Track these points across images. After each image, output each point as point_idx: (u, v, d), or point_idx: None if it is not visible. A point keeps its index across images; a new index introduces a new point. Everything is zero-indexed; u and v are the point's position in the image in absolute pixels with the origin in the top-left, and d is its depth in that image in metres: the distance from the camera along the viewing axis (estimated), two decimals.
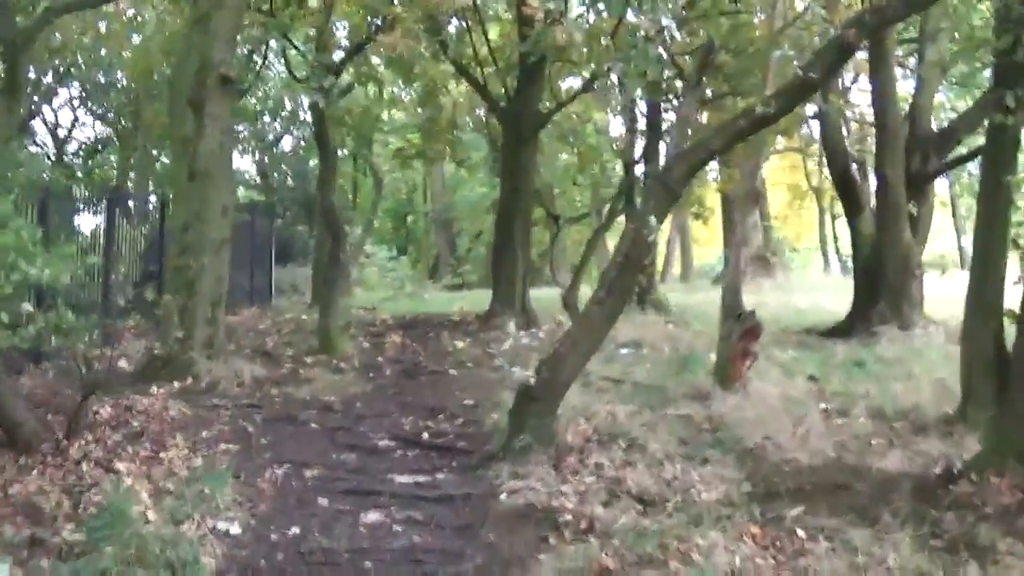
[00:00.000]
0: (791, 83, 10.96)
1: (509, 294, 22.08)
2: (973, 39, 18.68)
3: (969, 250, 44.08)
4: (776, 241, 45.89)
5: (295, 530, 8.19)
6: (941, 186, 27.67)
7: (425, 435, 11.75)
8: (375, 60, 24.15)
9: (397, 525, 8.42)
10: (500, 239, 23.37)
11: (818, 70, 10.43)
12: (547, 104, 23.93)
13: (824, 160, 41.84)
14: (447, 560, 7.82)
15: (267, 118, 40.34)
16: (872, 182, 22.32)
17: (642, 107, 25.77)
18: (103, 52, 34.02)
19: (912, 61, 25.38)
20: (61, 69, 38.14)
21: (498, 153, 27.13)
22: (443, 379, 15.56)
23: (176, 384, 13.38)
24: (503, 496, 8.94)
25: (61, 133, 44.26)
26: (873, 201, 21.14)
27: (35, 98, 39.35)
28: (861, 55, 19.03)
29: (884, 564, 7.32)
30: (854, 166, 22.07)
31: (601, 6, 17.44)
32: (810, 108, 21.37)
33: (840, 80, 24.46)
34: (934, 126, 21.72)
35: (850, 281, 24.40)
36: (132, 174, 40.96)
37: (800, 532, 7.83)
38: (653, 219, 10.40)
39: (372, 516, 8.57)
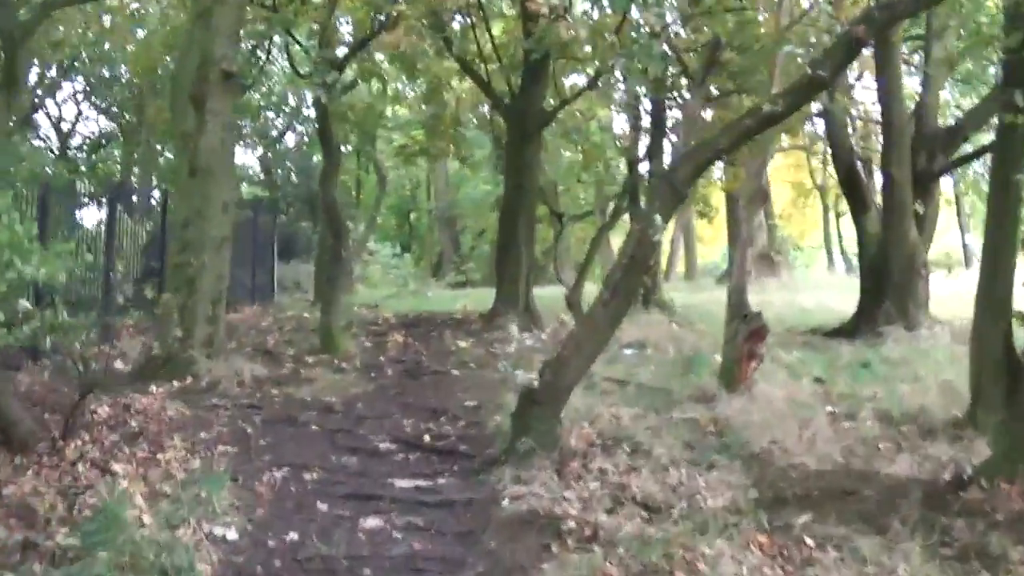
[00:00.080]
0: (799, 81, 10.82)
1: (512, 293, 21.99)
2: (981, 36, 18.58)
3: (973, 248, 44.38)
4: (780, 240, 45.79)
5: (293, 536, 8.04)
6: (945, 184, 27.50)
7: (427, 438, 11.61)
8: (379, 56, 24.05)
9: (397, 531, 8.28)
10: (504, 237, 23.27)
11: (827, 67, 10.27)
12: (551, 101, 23.81)
13: (828, 158, 41.98)
14: (448, 568, 7.69)
15: (271, 114, 40.17)
16: (878, 180, 22.17)
17: (646, 105, 25.67)
18: (107, 46, 33.91)
19: (917, 59, 25.28)
20: (65, 63, 38.08)
21: (502, 150, 27.05)
22: (445, 380, 15.45)
23: (175, 383, 13.28)
24: (505, 502, 8.79)
25: (65, 127, 44.23)
26: (879, 199, 21.01)
27: (38, 92, 39.32)
28: (866, 52, 18.87)
29: (894, 575, 7.19)
30: (859, 164, 21.91)
31: (605, 2, 17.45)
32: (815, 106, 21.19)
33: (845, 78, 24.30)
34: (939, 124, 21.54)
35: (854, 280, 24.29)
36: (136, 169, 40.93)
37: (808, 541, 7.69)
38: (659, 219, 10.25)
39: (372, 522, 8.42)
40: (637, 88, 20.83)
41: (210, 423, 11.43)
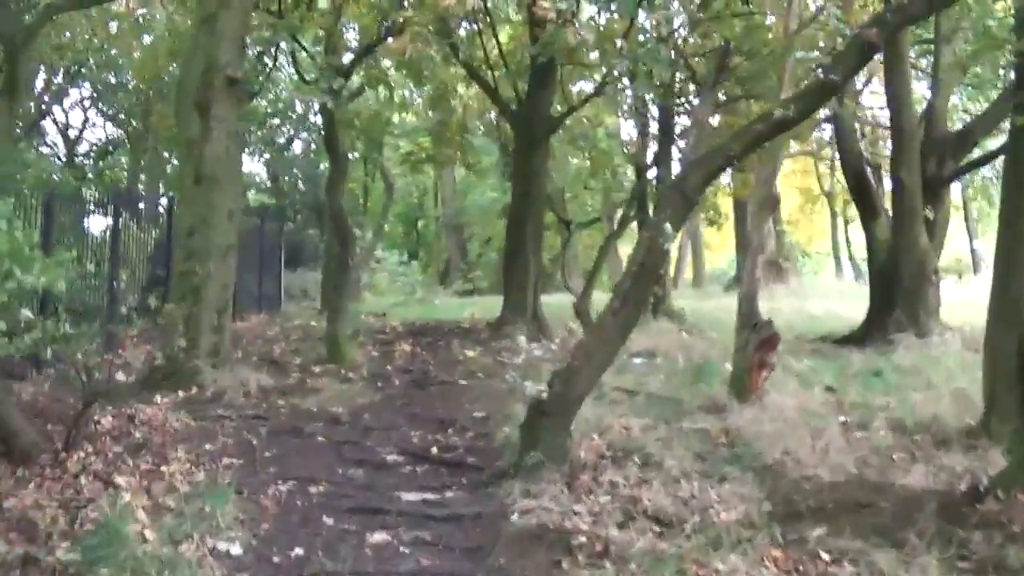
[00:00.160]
0: (811, 85, 10.70)
1: (520, 301, 21.91)
2: (993, 39, 18.46)
3: (982, 254, 44.24)
4: (788, 246, 45.69)
5: (298, 551, 7.90)
6: (953, 189, 27.38)
7: (434, 449, 11.49)
8: (385, 63, 23.98)
9: (404, 546, 8.12)
10: (511, 245, 23.19)
11: (839, 71, 10.15)
12: (558, 108, 23.73)
13: (836, 164, 41.93)
14: None
15: (277, 120, 40.14)
16: (887, 186, 22.05)
17: (654, 111, 25.62)
18: (114, 52, 33.92)
19: (924, 63, 25.19)
20: (72, 70, 38.10)
21: (509, 157, 27.00)
22: (453, 390, 15.35)
23: (180, 393, 13.21)
24: (514, 516, 8.63)
25: (72, 134, 44.28)
26: (888, 205, 20.90)
27: (45, 98, 39.36)
28: (876, 57, 18.76)
29: None
30: (869, 170, 21.78)
31: (613, 7, 17.35)
32: (823, 111, 21.11)
33: (853, 83, 24.19)
34: (949, 128, 21.44)
35: (863, 287, 24.24)
36: (143, 176, 40.93)
37: (824, 555, 7.55)
38: (669, 227, 10.11)
39: (378, 536, 8.27)
40: (645, 94, 20.79)
41: (215, 434, 11.32)
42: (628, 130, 32.04)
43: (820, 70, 10.78)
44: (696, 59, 20.77)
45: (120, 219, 18.99)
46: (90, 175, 40.73)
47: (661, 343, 18.62)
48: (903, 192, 19.56)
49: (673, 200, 10.67)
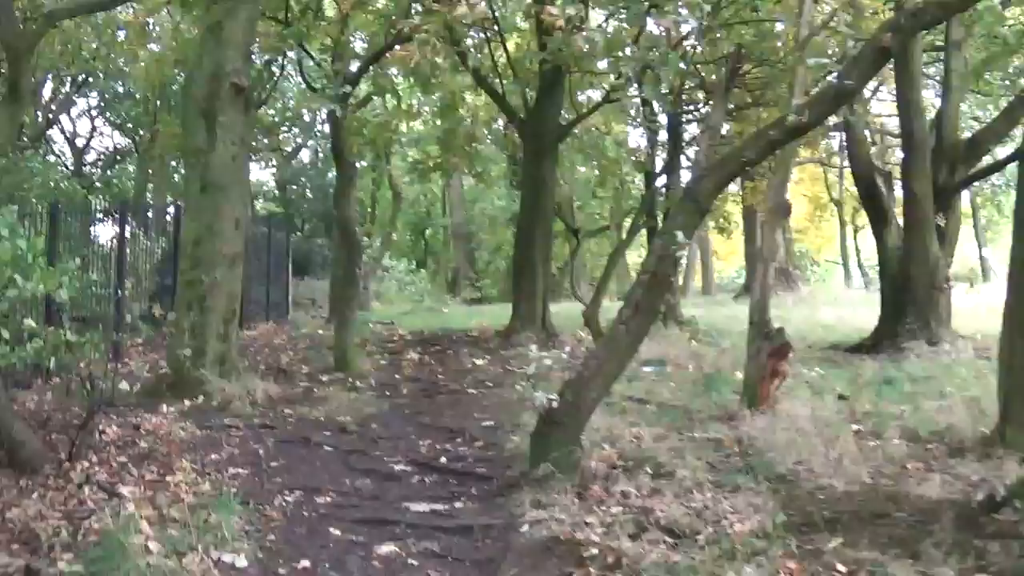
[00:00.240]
0: (826, 90, 10.59)
1: (530, 309, 21.91)
2: (1005, 46, 18.39)
3: (991, 262, 44.13)
4: (798, 254, 45.67)
5: (305, 563, 7.75)
6: (962, 196, 27.34)
7: (443, 459, 11.38)
8: (393, 71, 23.95)
9: (413, 558, 7.97)
10: (520, 253, 23.18)
11: (854, 77, 10.02)
12: (567, 116, 23.68)
13: (846, 172, 41.89)
14: None
15: (284, 129, 40.13)
16: (898, 193, 21.93)
17: (662, 120, 25.59)
18: (121, 62, 33.89)
19: (933, 71, 25.12)
20: (79, 79, 38.10)
21: (516, 166, 27.00)
22: (462, 399, 15.33)
23: (187, 403, 13.11)
24: (525, 527, 8.47)
25: (79, 143, 44.29)
26: (899, 213, 20.79)
27: (53, 107, 39.36)
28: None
29: None
30: (879, 177, 21.66)
31: (623, 15, 17.28)
32: (832, 118, 21.06)
33: (863, 90, 24.14)
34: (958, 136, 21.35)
35: (873, 295, 24.15)
36: (150, 185, 40.93)
37: (840, 567, 7.38)
38: (681, 234, 9.98)
39: (386, 548, 8.11)
40: (654, 102, 20.72)
41: (221, 444, 11.22)
42: (636, 138, 32.08)
43: (833, 76, 10.69)
44: (707, 65, 20.78)
45: (126, 228, 18.94)
46: (97, 184, 40.72)
47: (671, 351, 18.57)
48: (914, 200, 19.48)
49: (685, 207, 10.56)
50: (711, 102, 20.54)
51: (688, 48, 18.12)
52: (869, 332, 20.45)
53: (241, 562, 7.59)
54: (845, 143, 24.05)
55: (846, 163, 39.09)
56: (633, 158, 29.06)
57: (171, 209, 28.82)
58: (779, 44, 20.40)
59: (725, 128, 21.69)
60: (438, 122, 29.74)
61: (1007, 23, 21.24)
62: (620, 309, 10.39)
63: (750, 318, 13.79)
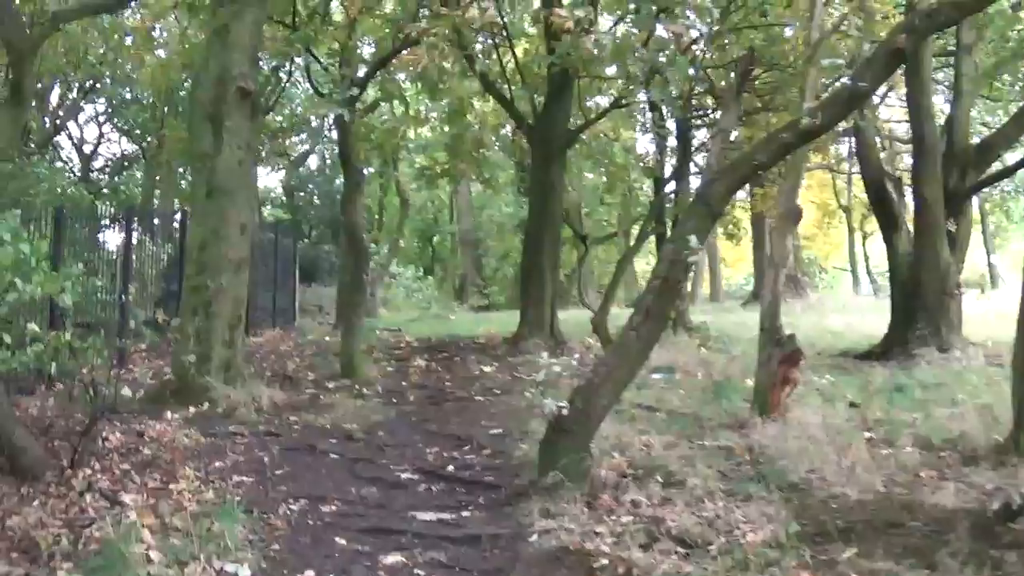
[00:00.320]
0: (839, 92, 10.47)
1: (538, 316, 21.86)
2: (1017, 50, 18.30)
3: (999, 268, 44.05)
4: (807, 261, 45.59)
5: (309, 574, 7.61)
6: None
7: (450, 467, 11.24)
8: (400, 76, 23.89)
9: (419, 569, 7.83)
10: (528, 259, 23.12)
11: (868, 78, 9.90)
12: (575, 123, 23.61)
13: (854, 178, 41.83)
14: None
15: (292, 135, 40.15)
16: (908, 198, 21.82)
17: (670, 127, 25.51)
18: (128, 68, 33.88)
19: (941, 76, 25.04)
20: (87, 85, 38.11)
21: (524, 172, 26.97)
22: (469, 406, 15.23)
23: (191, 409, 13.00)
24: (533, 537, 8.33)
25: (87, 149, 44.32)
26: (910, 218, 20.69)
27: (60, 113, 39.37)
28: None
29: None
30: (889, 183, 21.54)
31: (631, 19, 17.19)
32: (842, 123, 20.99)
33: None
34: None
35: (882, 302, 24.09)
36: (158, 191, 40.94)
37: None
38: (693, 239, 9.85)
39: (393, 558, 7.98)
40: (662, 106, 20.65)
41: (225, 451, 11.12)
42: (645, 144, 32.05)
43: (846, 78, 10.58)
44: (716, 71, 20.68)
45: (132, 234, 18.89)
46: (105, 190, 40.72)
47: (680, 358, 18.48)
48: (924, 205, 19.39)
49: (698, 211, 10.43)
50: (721, 106, 20.49)
51: (697, 53, 18.02)
52: (878, 339, 20.39)
53: (244, 572, 7.46)
54: (855, 148, 23.87)
55: (855, 169, 39.17)
56: (642, 163, 28.99)
57: (178, 215, 28.84)
58: (789, 48, 20.31)
59: (734, 134, 21.58)
60: (446, 128, 29.68)
61: (1018, 27, 21.19)
62: (631, 315, 10.27)
63: (761, 324, 13.67)
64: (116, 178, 45.18)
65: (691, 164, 27.16)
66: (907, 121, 22.89)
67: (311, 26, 19.44)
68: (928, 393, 15.10)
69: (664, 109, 22.72)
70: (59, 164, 40.66)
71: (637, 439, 11.36)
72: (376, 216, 44.63)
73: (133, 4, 26.47)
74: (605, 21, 21.33)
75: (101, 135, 44.67)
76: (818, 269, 57.42)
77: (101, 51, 31.77)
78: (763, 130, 20.69)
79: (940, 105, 25.38)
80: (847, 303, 38.93)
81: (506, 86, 23.50)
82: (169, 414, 12.39)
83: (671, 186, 25.82)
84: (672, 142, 26.70)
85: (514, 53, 23.60)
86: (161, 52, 29.82)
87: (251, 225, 15.77)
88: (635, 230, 27.83)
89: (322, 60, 23.07)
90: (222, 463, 10.58)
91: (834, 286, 57.11)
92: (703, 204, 10.39)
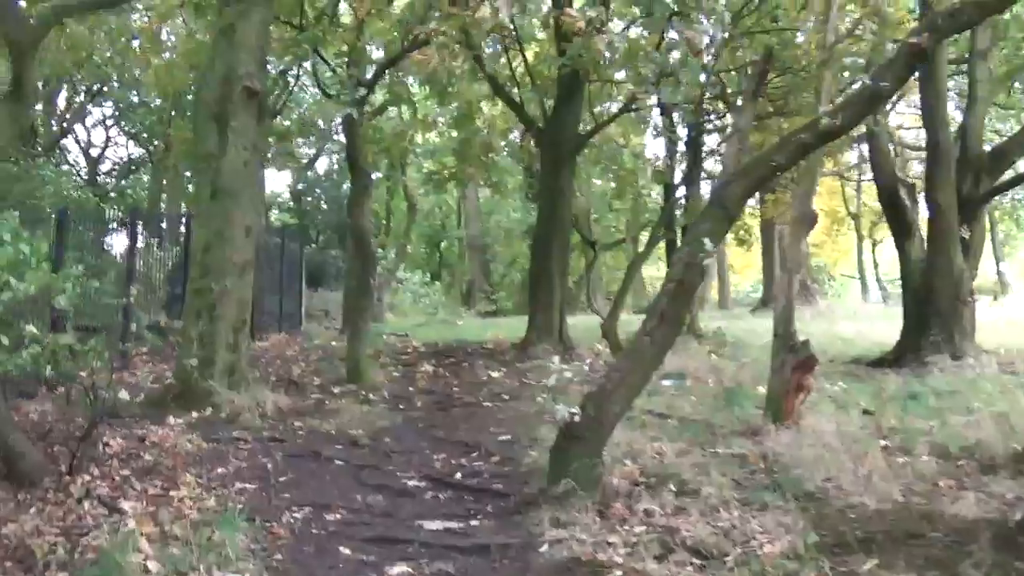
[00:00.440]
0: (860, 92, 10.25)
1: (546, 321, 21.76)
2: None
3: (1008, 276, 43.99)
4: (816, 268, 45.52)
5: None
6: None
7: (458, 475, 11.06)
8: (409, 80, 23.80)
9: None
10: (537, 264, 23.02)
11: (889, 79, 9.69)
12: (585, 127, 23.51)
13: (862, 185, 41.76)
14: None
15: (299, 140, 40.15)
16: (921, 205, 21.65)
17: (681, 133, 25.45)
18: (137, 72, 33.86)
19: (952, 83, 24.91)
20: (94, 88, 38.13)
21: (533, 178, 26.92)
22: (477, 412, 15.06)
23: (194, 414, 12.81)
24: (544, 547, 8.12)
25: (94, 153, 44.38)
26: (923, 224, 20.52)
27: (67, 117, 39.37)
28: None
29: None
30: (902, 189, 21.36)
31: (642, 22, 17.06)
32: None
33: None
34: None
35: (891, 309, 23.98)
36: (164, 195, 40.98)
37: None
38: (708, 242, 9.64)
39: (398, 569, 7.77)
40: (672, 108, 20.55)
41: (228, 457, 10.94)
42: (654, 150, 32.06)
43: (862, 82, 10.40)
44: (730, 73, 20.58)
45: (136, 236, 18.76)
46: (112, 194, 40.74)
47: (691, 364, 18.34)
48: (938, 211, 19.24)
49: (713, 213, 10.22)
50: (733, 110, 20.38)
51: (707, 60, 17.91)
52: (889, 346, 20.28)
53: None
54: (869, 154, 23.71)
55: (864, 176, 39.08)
56: (653, 166, 28.88)
57: (184, 219, 28.80)
58: (801, 52, 20.19)
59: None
60: (454, 133, 29.63)
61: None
62: (644, 320, 10.06)
63: (775, 330, 13.49)
64: (123, 182, 45.21)
65: (701, 170, 27.11)
66: (916, 128, 22.77)
67: (319, 27, 19.34)
68: (942, 401, 14.91)
69: (675, 115, 22.65)
70: (66, 167, 40.69)
71: (649, 446, 11.18)
72: (383, 221, 44.63)
73: (140, 5, 26.38)
74: (616, 25, 21.17)
75: (108, 139, 44.77)
76: (827, 276, 57.41)
77: (108, 54, 31.70)
78: (775, 135, 20.60)
79: (951, 113, 25.27)
80: (857, 310, 38.87)
81: (515, 89, 23.38)
82: (171, 419, 12.23)
83: (681, 191, 25.75)
84: (682, 147, 26.60)
85: (524, 56, 23.51)
86: (168, 55, 29.78)
87: (256, 227, 15.59)
88: (644, 236, 27.74)
89: (330, 62, 22.98)
90: (224, 469, 10.40)
91: (842, 294, 57.08)
92: (719, 206, 10.18)
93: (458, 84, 23.29)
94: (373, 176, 26.34)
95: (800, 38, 20.34)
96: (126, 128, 43.36)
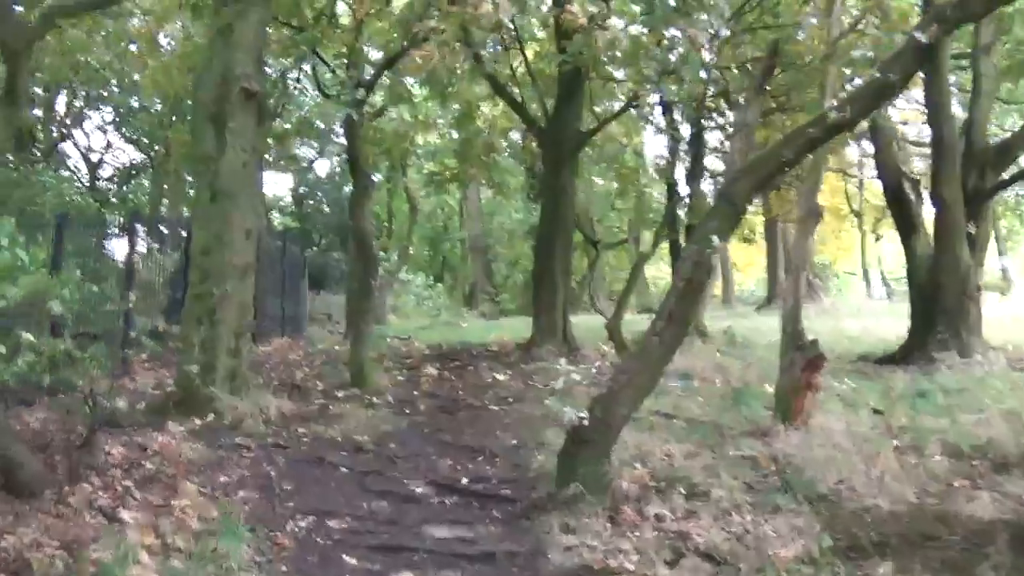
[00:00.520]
0: (868, 85, 10.13)
1: (550, 322, 21.65)
2: None
3: (1011, 271, 43.89)
4: (820, 266, 45.42)
5: None
6: None
7: (464, 480, 10.95)
8: (409, 80, 23.67)
9: None
10: (540, 265, 22.90)
11: (897, 71, 9.56)
12: (586, 126, 23.39)
13: (866, 182, 41.63)
14: None
15: (299, 142, 40.04)
16: (926, 200, 21.52)
17: (683, 132, 25.37)
18: (136, 77, 33.76)
19: (953, 79, 24.78)
20: (93, 93, 38.07)
21: (534, 179, 26.85)
22: (483, 415, 14.92)
23: (196, 421, 12.59)
24: (553, 554, 8.03)
25: (94, 158, 44.31)
26: (928, 220, 20.39)
27: (67, 122, 39.29)
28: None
29: None
30: (907, 184, 21.21)
31: (642, 19, 16.95)
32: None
33: None
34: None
35: (895, 306, 23.84)
36: (165, 200, 40.91)
37: None
38: (716, 239, 9.50)
39: None
40: (674, 108, 20.47)
41: (231, 465, 10.79)
42: (656, 149, 32.01)
43: (864, 77, 10.30)
44: (730, 71, 20.47)
45: (136, 241, 18.65)
46: (112, 199, 40.66)
47: (697, 364, 18.18)
48: (944, 206, 19.12)
49: (721, 209, 10.09)
50: (736, 106, 20.29)
51: (708, 57, 17.81)
52: (895, 343, 20.22)
53: None
54: (874, 149, 23.60)
55: (867, 173, 38.94)
56: (656, 164, 28.82)
57: (186, 224, 28.71)
58: (805, 48, 20.09)
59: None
60: (455, 134, 29.55)
61: None
62: (654, 320, 9.91)
63: (783, 328, 13.38)
64: (124, 187, 45.14)
65: (704, 168, 27.02)
66: (918, 123, 22.65)
67: (317, 27, 19.23)
68: (952, 399, 14.79)
69: (676, 113, 22.57)
70: (66, 173, 40.61)
71: (658, 448, 11.09)
72: (385, 223, 44.57)
73: (137, 9, 26.27)
74: (616, 23, 21.09)
75: (108, 144, 44.69)
76: (831, 274, 57.33)
77: (107, 58, 31.58)
78: (779, 131, 20.51)
79: (952, 108, 25.18)
80: (861, 307, 38.78)
81: (516, 89, 23.27)
82: (172, 426, 12.02)
83: (684, 189, 25.68)
84: (684, 145, 26.51)
85: (524, 54, 23.39)
86: (166, 58, 29.67)
87: (257, 230, 15.41)
88: (646, 235, 27.65)
89: (329, 63, 22.88)
90: (227, 477, 10.25)
91: (843, 290, 56.99)
92: (727, 202, 10.05)
93: (458, 84, 23.19)
94: (374, 178, 26.24)
95: (801, 35, 20.26)
96: (126, 134, 43.26)
